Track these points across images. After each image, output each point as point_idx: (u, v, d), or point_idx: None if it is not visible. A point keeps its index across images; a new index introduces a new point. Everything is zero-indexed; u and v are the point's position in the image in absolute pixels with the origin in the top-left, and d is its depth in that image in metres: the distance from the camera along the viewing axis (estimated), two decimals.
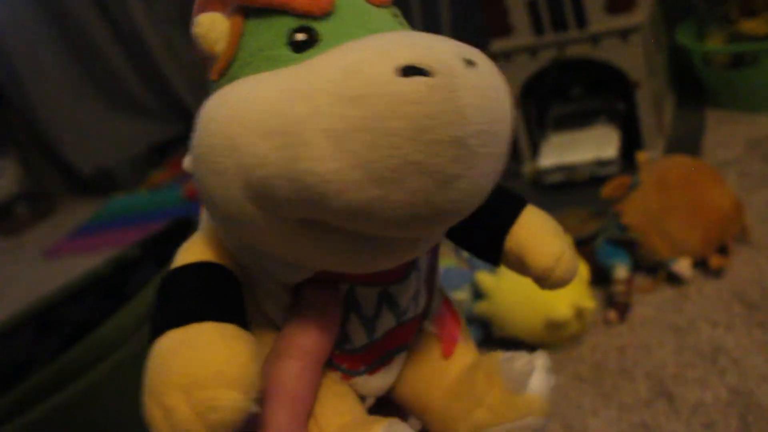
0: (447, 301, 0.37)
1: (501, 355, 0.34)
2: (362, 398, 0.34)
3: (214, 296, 0.29)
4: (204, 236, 0.30)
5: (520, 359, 0.32)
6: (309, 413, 0.30)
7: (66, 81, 1.72)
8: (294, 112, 0.23)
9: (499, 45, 0.93)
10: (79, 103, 1.73)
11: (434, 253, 0.35)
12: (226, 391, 0.25)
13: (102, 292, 0.87)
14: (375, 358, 0.33)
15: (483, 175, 0.24)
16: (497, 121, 0.24)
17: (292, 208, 0.24)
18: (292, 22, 0.27)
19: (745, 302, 0.69)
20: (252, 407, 0.25)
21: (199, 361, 0.26)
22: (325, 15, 0.27)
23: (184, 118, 1.67)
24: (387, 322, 0.32)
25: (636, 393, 0.64)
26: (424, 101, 0.23)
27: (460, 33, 0.98)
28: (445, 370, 0.35)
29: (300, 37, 0.27)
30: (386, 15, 0.29)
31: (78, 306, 0.86)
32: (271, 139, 0.23)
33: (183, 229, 0.84)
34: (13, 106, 1.80)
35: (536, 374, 0.33)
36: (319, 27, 0.27)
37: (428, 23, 1.19)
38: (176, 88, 1.61)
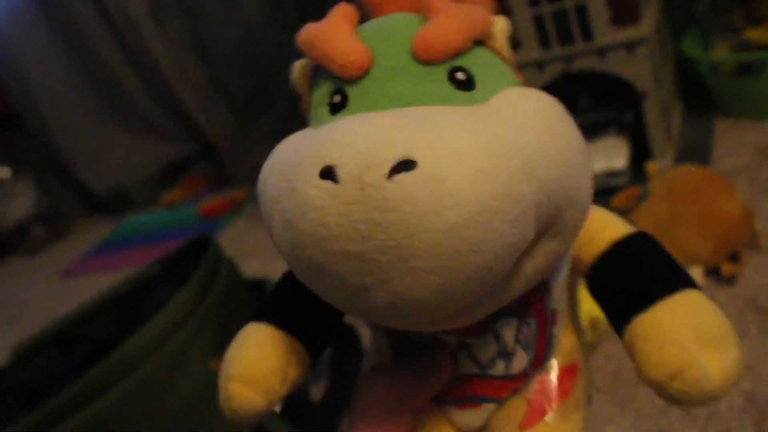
0: (568, 371, 0.33)
1: None
2: None
3: (285, 302, 0.34)
4: None
5: None
6: None
7: (80, 103, 1.74)
8: (265, 190, 0.26)
9: None
10: (94, 124, 1.75)
11: (538, 323, 0.32)
12: (241, 387, 0.32)
13: (121, 311, 0.88)
14: (462, 395, 0.34)
15: (418, 288, 0.23)
16: (415, 235, 0.22)
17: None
18: (334, 83, 0.28)
19: (758, 309, 0.69)
20: (265, 405, 0.32)
21: (234, 359, 0.33)
22: (359, 77, 0.27)
23: (197, 137, 1.69)
24: (468, 367, 0.33)
25: (652, 400, 0.65)
26: (323, 210, 0.23)
27: None
28: None
29: (336, 99, 0.28)
30: (433, 74, 0.27)
31: (97, 324, 0.88)
32: (263, 211, 0.27)
33: (200, 247, 0.86)
34: (30, 129, 1.83)
35: None
36: (351, 90, 0.28)
37: None
38: (188, 108, 1.63)
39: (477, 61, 0.28)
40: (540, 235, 0.26)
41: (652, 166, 0.81)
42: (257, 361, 0.32)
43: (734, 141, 0.99)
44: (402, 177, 0.22)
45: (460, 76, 0.27)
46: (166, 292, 0.83)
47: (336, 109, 0.28)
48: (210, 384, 0.67)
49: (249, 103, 1.57)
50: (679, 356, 0.26)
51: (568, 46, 0.91)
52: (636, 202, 0.77)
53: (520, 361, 0.32)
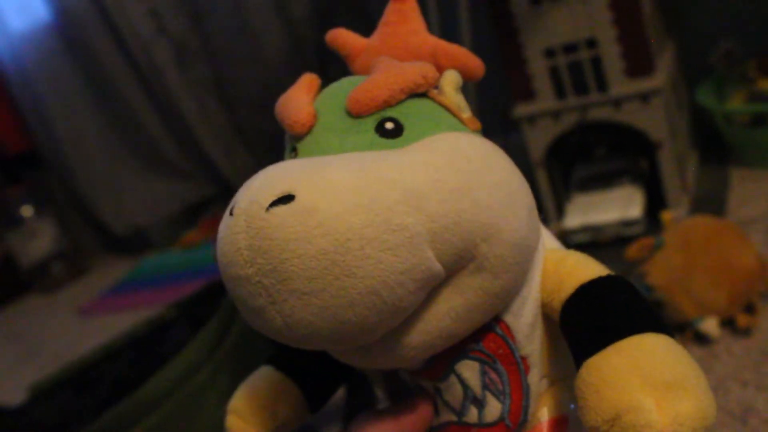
0: (557, 423, 0.33)
1: None
2: None
3: (291, 349, 0.37)
4: None
5: None
6: None
7: (103, 144, 1.78)
8: None
9: (523, 109, 0.95)
10: (116, 165, 1.78)
11: (508, 370, 0.32)
12: (235, 419, 0.38)
13: (138, 353, 0.89)
14: None
15: (303, 310, 0.25)
16: (289, 259, 0.25)
17: None
18: (291, 142, 0.33)
19: None
20: None
21: (235, 395, 0.39)
22: (304, 134, 0.31)
23: (216, 179, 1.71)
24: (446, 414, 0.34)
25: None
26: (221, 241, 0.27)
27: (485, 99, 1.01)
28: None
29: (292, 155, 0.32)
30: (360, 126, 0.31)
31: (114, 366, 0.88)
32: None
33: (218, 291, 0.87)
34: (52, 168, 1.87)
35: None
36: (299, 146, 0.32)
37: None
38: (209, 150, 1.65)
39: (411, 111, 0.31)
40: (457, 269, 0.28)
41: (666, 216, 0.81)
42: (249, 397, 0.38)
43: (750, 191, 0.99)
44: (278, 209, 0.25)
45: (388, 125, 0.30)
46: (183, 335, 0.84)
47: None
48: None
49: (268, 146, 1.60)
50: (617, 400, 0.25)
51: (583, 97, 0.92)
52: (650, 253, 0.77)
53: (494, 409, 0.32)
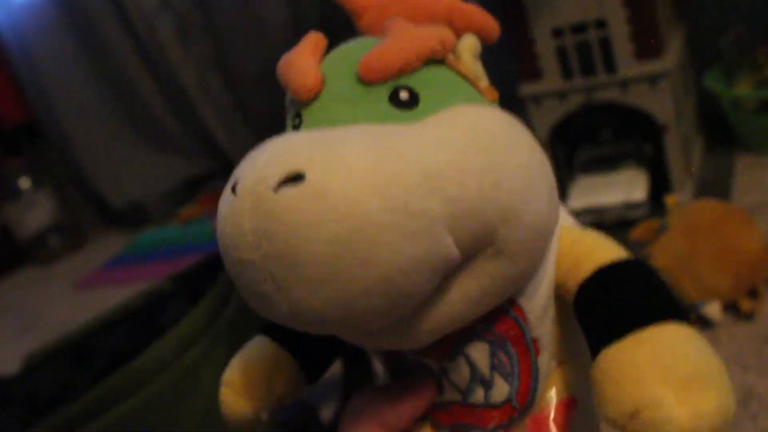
0: (565, 405, 0.32)
1: None
2: None
3: None
4: None
5: None
6: None
7: (102, 117, 1.76)
8: None
9: (529, 89, 0.94)
10: (115, 139, 1.77)
11: (518, 351, 0.31)
12: (229, 392, 0.36)
13: (135, 325, 0.88)
14: (450, 421, 0.34)
15: (311, 298, 0.24)
16: (298, 245, 0.23)
17: None
18: (296, 107, 0.30)
19: None
20: (250, 411, 0.35)
21: (229, 367, 0.37)
22: (309, 100, 0.29)
23: (216, 155, 1.70)
24: (450, 393, 0.33)
25: None
26: (224, 221, 0.25)
27: (491, 78, 1.00)
28: None
29: (296, 122, 0.30)
30: (373, 95, 0.28)
31: (110, 337, 0.88)
32: None
33: (216, 264, 0.86)
34: (51, 141, 1.85)
35: None
36: (304, 113, 0.29)
37: None
38: (209, 126, 1.64)
39: (427, 80, 0.29)
40: (474, 253, 0.26)
41: (671, 200, 0.80)
42: (245, 370, 0.36)
43: (755, 177, 0.98)
44: (288, 190, 0.23)
45: (403, 95, 0.28)
46: (180, 308, 0.83)
47: (297, 127, 0.30)
48: None
49: (269, 123, 1.58)
50: (637, 394, 0.25)
51: (590, 78, 0.91)
52: (654, 236, 0.76)
53: (500, 390, 0.32)
